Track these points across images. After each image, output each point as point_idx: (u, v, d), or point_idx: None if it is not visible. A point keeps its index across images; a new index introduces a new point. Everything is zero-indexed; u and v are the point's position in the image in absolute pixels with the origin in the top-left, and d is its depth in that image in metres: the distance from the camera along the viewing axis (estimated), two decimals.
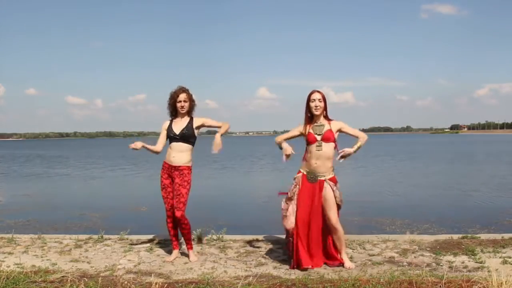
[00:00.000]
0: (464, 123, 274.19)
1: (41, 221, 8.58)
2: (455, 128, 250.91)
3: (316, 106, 4.24)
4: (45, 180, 18.31)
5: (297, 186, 4.31)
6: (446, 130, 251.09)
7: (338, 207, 4.31)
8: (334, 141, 4.26)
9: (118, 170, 22.54)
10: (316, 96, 4.26)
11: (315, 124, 4.29)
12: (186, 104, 4.57)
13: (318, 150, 4.20)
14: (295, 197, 4.29)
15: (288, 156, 4.32)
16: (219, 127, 4.62)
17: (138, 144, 4.52)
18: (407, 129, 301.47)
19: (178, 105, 4.56)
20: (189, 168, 4.58)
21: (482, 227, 7.34)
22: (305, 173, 4.30)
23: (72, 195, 13.27)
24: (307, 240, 4.25)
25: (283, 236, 5.44)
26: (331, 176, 4.29)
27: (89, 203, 11.00)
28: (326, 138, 4.22)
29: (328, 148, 4.23)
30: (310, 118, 4.32)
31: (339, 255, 4.35)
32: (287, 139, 4.43)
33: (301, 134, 4.36)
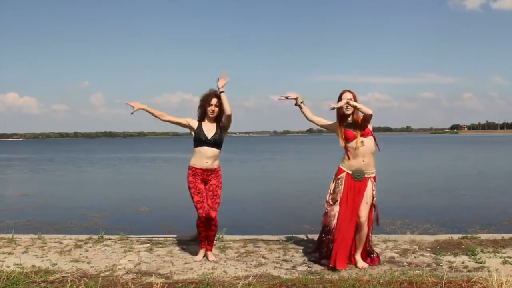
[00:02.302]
0: (464, 123, 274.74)
1: (41, 221, 8.58)
2: (455, 128, 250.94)
3: (347, 106, 4.27)
4: (45, 180, 18.32)
5: (341, 186, 4.29)
6: (446, 130, 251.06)
7: (374, 207, 4.31)
8: (372, 134, 4.29)
9: (119, 170, 22.54)
10: (347, 96, 4.28)
11: (348, 121, 4.32)
12: (217, 109, 4.52)
13: (362, 146, 4.22)
14: (340, 198, 4.28)
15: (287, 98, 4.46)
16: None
17: (137, 105, 4.49)
18: (407, 129, 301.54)
19: (209, 109, 4.50)
20: (220, 167, 4.64)
21: (482, 227, 7.34)
22: (349, 172, 4.29)
23: (72, 195, 13.26)
24: (347, 240, 4.24)
25: (283, 236, 5.46)
26: (375, 174, 4.33)
27: (89, 203, 11.00)
28: (366, 133, 4.25)
29: (369, 142, 4.26)
30: (342, 117, 4.33)
31: (355, 254, 4.33)
32: (319, 121, 4.47)
33: (334, 129, 4.37)
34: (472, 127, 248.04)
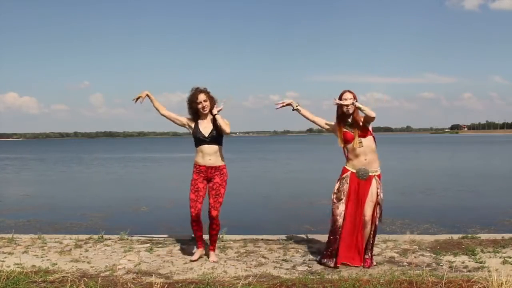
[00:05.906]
0: (464, 123, 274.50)
1: (41, 221, 8.59)
2: (455, 128, 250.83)
3: (348, 106, 4.27)
4: (45, 180, 18.32)
5: (346, 185, 4.29)
6: (446, 130, 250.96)
7: (379, 206, 4.30)
8: (371, 134, 4.30)
9: (119, 170, 22.54)
10: (348, 96, 4.28)
11: (348, 122, 4.33)
12: (207, 104, 4.49)
13: (360, 147, 4.24)
14: (345, 196, 4.29)
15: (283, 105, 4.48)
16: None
17: (143, 93, 4.58)
18: (407, 129, 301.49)
19: (199, 106, 4.48)
20: (225, 165, 4.60)
21: (482, 227, 7.34)
22: (354, 171, 4.29)
23: (72, 195, 13.27)
24: (352, 238, 4.25)
25: (283, 236, 5.46)
26: (379, 172, 4.33)
27: (89, 203, 11.01)
28: (364, 134, 4.26)
29: (368, 141, 4.27)
30: (342, 117, 4.34)
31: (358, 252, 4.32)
32: (320, 121, 4.51)
33: (333, 130, 4.42)
34: (472, 127, 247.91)
